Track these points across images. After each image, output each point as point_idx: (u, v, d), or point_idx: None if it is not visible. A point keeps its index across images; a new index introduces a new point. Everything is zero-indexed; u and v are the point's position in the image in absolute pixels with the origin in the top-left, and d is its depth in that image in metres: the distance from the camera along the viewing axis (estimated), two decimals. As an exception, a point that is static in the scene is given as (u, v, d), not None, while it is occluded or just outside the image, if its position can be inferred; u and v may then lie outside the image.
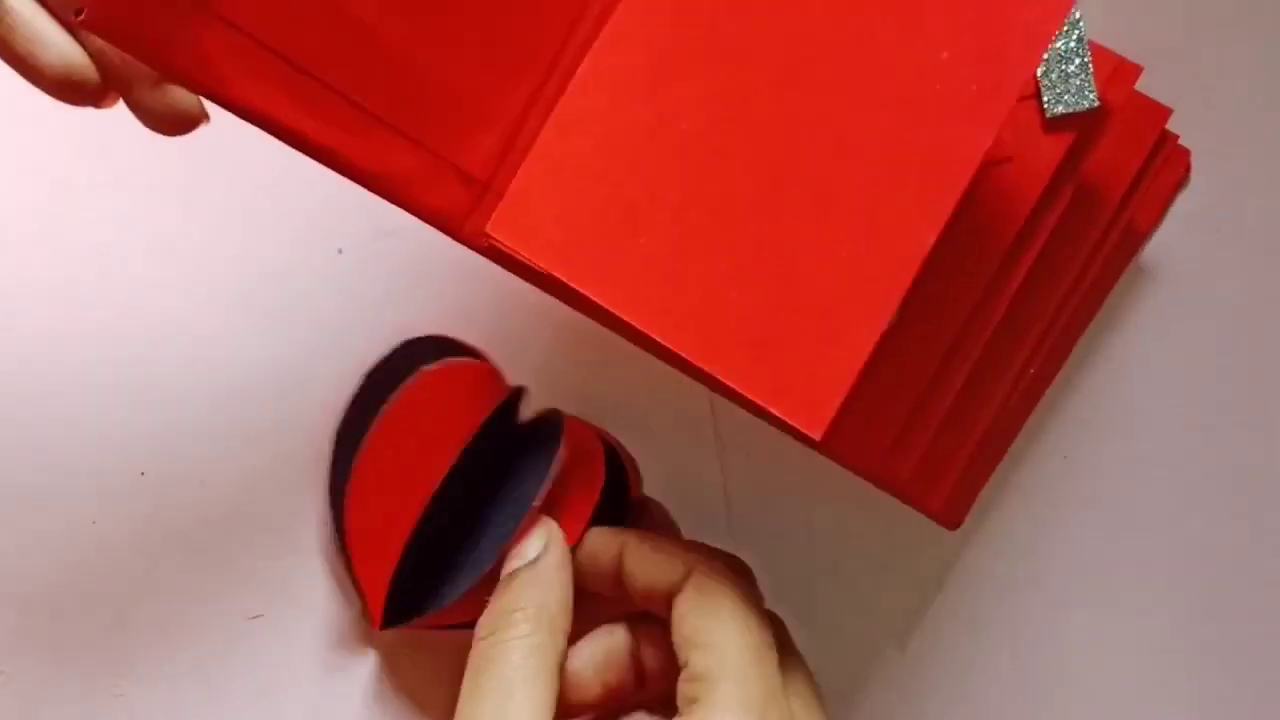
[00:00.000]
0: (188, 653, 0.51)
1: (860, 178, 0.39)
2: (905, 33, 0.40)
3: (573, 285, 0.41)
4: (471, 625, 0.42)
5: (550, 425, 0.47)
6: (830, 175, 0.40)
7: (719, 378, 0.38)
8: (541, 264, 0.42)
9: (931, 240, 0.38)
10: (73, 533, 0.51)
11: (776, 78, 0.41)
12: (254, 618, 0.52)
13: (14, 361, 0.51)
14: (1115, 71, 0.45)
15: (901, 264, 0.38)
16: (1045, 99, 0.44)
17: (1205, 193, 0.52)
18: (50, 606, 0.51)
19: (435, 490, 0.45)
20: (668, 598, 0.40)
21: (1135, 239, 0.51)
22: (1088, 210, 0.46)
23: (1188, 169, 0.52)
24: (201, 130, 0.39)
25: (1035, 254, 0.45)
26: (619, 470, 0.48)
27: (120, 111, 0.38)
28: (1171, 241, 0.52)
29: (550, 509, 0.44)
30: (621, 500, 0.48)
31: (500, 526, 0.44)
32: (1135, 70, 0.45)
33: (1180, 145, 0.51)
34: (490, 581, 0.43)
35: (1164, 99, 0.48)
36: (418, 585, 0.47)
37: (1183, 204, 0.52)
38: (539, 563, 0.41)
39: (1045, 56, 0.44)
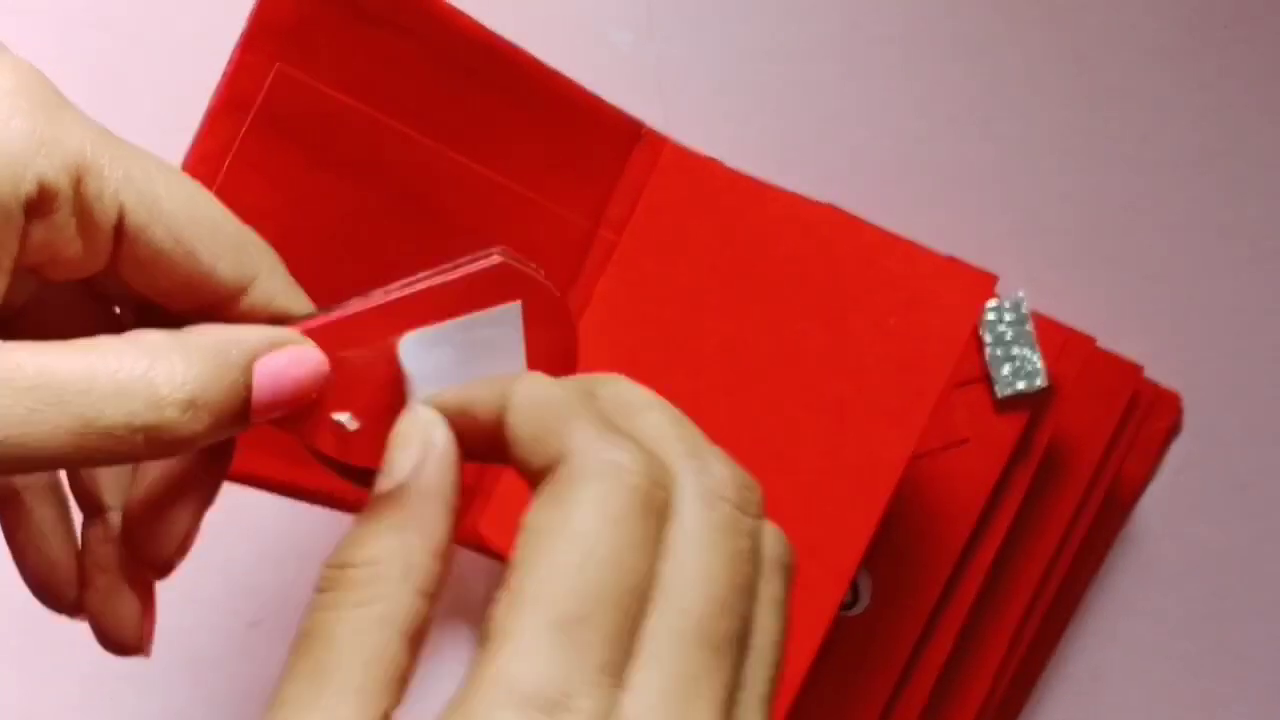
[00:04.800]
0: (187, 658, 0.52)
1: (798, 484, 0.41)
2: (835, 339, 0.42)
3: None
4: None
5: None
6: (773, 481, 0.42)
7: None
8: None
9: (863, 545, 0.40)
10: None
11: (725, 382, 0.44)
12: (254, 624, 0.52)
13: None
14: (1066, 345, 0.47)
15: (837, 572, 0.40)
16: (994, 382, 0.45)
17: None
18: (48, 612, 0.53)
19: None
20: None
21: (1127, 495, 0.51)
22: (1062, 480, 0.47)
23: (1179, 413, 0.52)
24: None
25: (1004, 530, 0.46)
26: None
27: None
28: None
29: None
30: None
31: None
32: (1088, 341, 0.47)
33: (1169, 390, 0.52)
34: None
35: (1154, 337, 0.49)
36: None
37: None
38: (411, 486, 0.28)
39: (990, 340, 0.46)
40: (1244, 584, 0.52)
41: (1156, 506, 0.52)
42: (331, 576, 0.28)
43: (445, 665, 0.54)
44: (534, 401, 0.27)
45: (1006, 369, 0.45)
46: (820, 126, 0.56)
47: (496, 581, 0.53)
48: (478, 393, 0.29)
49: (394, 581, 0.28)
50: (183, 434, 0.27)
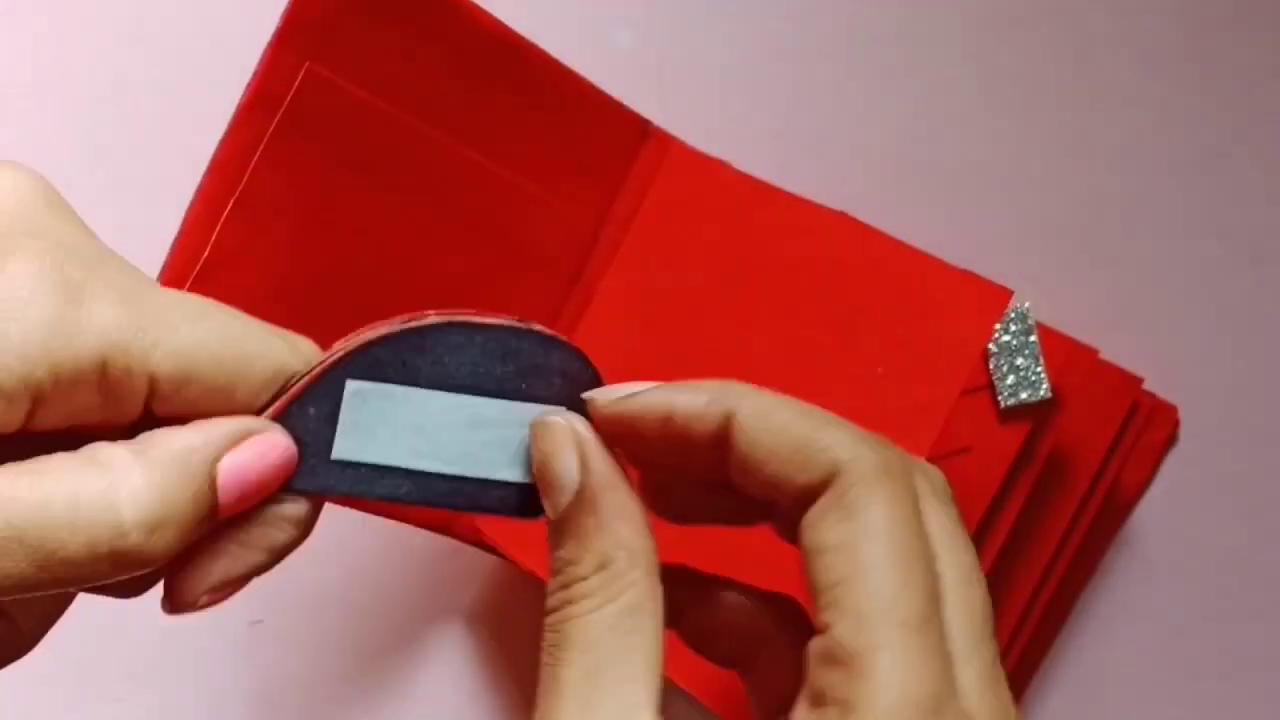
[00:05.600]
0: (187, 658, 0.52)
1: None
2: (844, 348, 0.42)
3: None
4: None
5: None
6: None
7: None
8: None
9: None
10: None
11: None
12: (254, 623, 0.52)
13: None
14: (1070, 356, 0.46)
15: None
16: (998, 392, 0.45)
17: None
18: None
19: None
20: (797, 501, 0.27)
21: (1122, 503, 0.51)
22: (1060, 487, 0.47)
23: (1175, 425, 0.52)
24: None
25: (1003, 538, 0.45)
26: None
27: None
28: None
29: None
30: None
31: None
32: (1091, 353, 0.47)
33: (1166, 403, 0.52)
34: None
35: (1150, 349, 0.49)
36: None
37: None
38: (588, 484, 0.28)
39: (994, 350, 0.46)
40: (1236, 589, 0.52)
41: (1152, 513, 0.52)
42: (564, 595, 0.28)
43: (445, 665, 0.53)
44: (780, 417, 0.27)
45: (1010, 379, 0.45)
46: (819, 127, 0.55)
47: (497, 581, 0.52)
48: (684, 399, 0.28)
49: (626, 573, 0.28)
50: (150, 554, 0.26)
